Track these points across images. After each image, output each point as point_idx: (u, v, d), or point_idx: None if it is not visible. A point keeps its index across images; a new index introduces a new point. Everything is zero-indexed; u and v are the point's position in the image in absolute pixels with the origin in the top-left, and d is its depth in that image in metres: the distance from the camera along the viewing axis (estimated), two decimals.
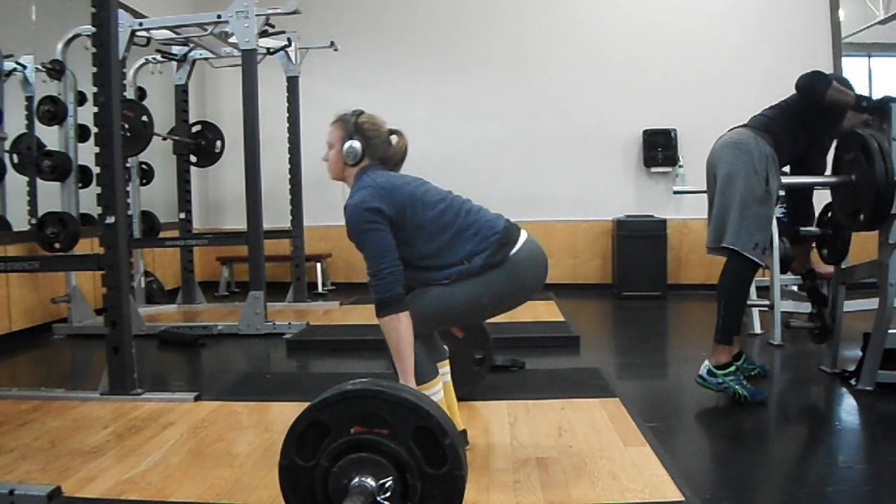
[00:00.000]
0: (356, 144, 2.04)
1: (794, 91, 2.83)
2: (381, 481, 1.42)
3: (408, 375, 1.93)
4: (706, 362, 2.82)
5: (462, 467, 1.45)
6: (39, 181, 4.53)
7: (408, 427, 1.44)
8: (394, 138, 2.13)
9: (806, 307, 4.11)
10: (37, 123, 4.51)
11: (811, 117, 2.81)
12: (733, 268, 2.80)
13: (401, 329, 1.91)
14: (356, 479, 1.42)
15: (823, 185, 3.09)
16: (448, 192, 2.09)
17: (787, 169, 3.06)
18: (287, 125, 5.55)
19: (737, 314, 2.84)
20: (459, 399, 2.31)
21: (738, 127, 2.90)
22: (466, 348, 2.72)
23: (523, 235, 2.04)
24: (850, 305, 3.14)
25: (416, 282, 2.04)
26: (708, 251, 2.95)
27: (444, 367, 2.18)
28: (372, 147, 2.07)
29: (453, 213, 2.01)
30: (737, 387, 2.75)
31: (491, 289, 1.99)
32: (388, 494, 1.41)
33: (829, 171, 3.02)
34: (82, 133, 4.55)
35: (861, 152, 2.70)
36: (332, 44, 5.54)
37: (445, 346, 2.26)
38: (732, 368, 2.78)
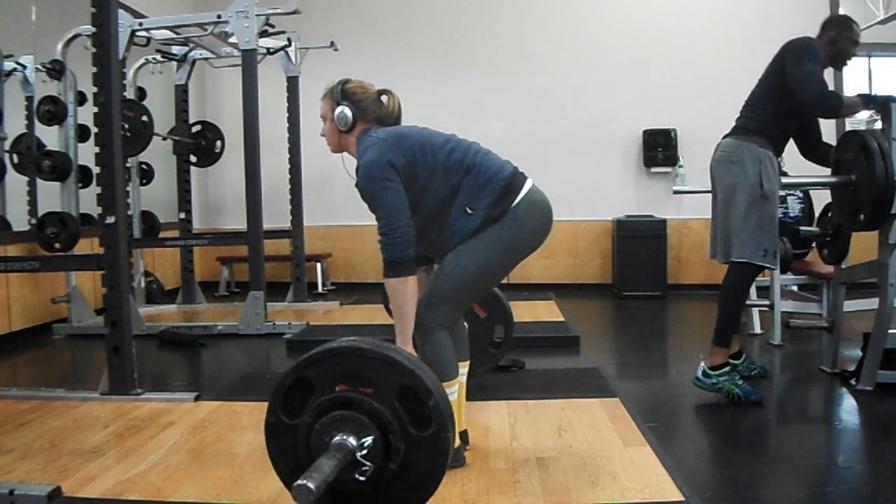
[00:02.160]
0: (346, 110, 2.04)
1: (761, 78, 2.84)
2: (362, 440, 1.41)
3: (406, 341, 1.93)
4: (702, 363, 2.83)
5: (447, 429, 1.44)
6: (39, 181, 4.53)
7: (393, 386, 1.43)
8: (384, 98, 2.11)
9: (806, 307, 4.12)
10: (37, 123, 4.50)
11: (788, 98, 2.77)
12: (737, 274, 2.82)
13: (407, 292, 1.90)
14: (337, 437, 1.41)
15: (824, 185, 3.10)
16: (452, 134, 2.08)
17: (787, 170, 3.06)
18: (287, 125, 5.54)
19: (734, 317, 2.86)
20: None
21: (727, 136, 2.89)
22: (488, 328, 2.77)
23: (527, 185, 2.03)
24: (850, 305, 3.14)
25: (431, 244, 2.04)
26: (713, 258, 2.96)
27: (464, 368, 2.18)
28: (362, 109, 2.06)
29: (461, 153, 2.01)
30: (731, 387, 2.76)
31: (495, 248, 1.98)
32: (365, 453, 1.40)
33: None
34: (82, 133, 4.54)
35: (861, 152, 2.70)
36: (332, 44, 5.54)
37: (468, 346, 2.25)
38: (727, 369, 2.79)
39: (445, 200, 1.99)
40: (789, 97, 2.76)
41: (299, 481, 1.29)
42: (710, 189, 2.99)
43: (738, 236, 2.77)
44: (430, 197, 1.99)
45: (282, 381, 1.49)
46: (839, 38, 2.84)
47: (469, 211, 1.97)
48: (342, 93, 2.05)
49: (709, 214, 2.99)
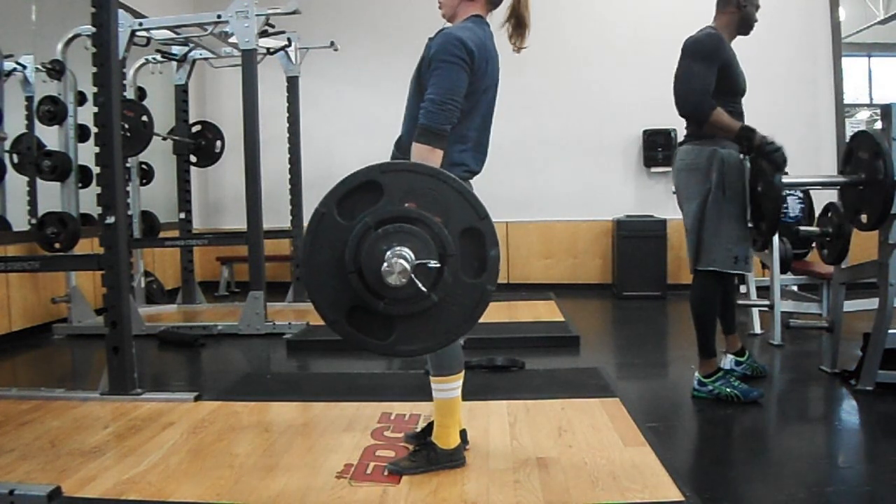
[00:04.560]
0: None
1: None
2: (422, 261, 1.35)
3: None
4: (696, 374, 2.83)
5: (494, 283, 1.40)
6: (39, 181, 4.53)
7: (462, 223, 1.38)
8: None
9: (806, 307, 4.12)
10: (37, 123, 4.51)
11: (721, 87, 2.71)
12: (703, 287, 2.77)
13: (432, 160, 1.80)
14: (397, 248, 1.35)
15: (832, 185, 3.08)
16: None
17: (787, 170, 3.05)
18: (287, 125, 5.55)
19: (713, 328, 2.82)
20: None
21: (683, 143, 2.83)
22: None
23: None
24: (850, 305, 3.14)
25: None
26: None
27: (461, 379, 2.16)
28: None
29: (486, 131, 2.02)
30: (728, 389, 2.76)
31: None
32: (423, 275, 1.34)
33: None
34: (82, 133, 4.54)
35: (870, 152, 2.69)
36: (332, 44, 5.54)
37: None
38: (720, 374, 2.79)
39: (461, 137, 1.95)
40: (723, 91, 2.69)
41: (394, 257, 1.28)
42: None
43: (706, 246, 2.70)
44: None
45: (350, 177, 1.40)
46: (747, 3, 2.80)
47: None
48: None
49: None
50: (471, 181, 2.01)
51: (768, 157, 2.60)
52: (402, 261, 1.27)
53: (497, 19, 2.05)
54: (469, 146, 1.98)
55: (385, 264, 1.28)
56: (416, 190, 1.39)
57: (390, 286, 1.33)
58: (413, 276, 1.34)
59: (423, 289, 1.35)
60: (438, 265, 1.36)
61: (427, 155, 1.80)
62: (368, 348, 1.50)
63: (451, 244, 1.36)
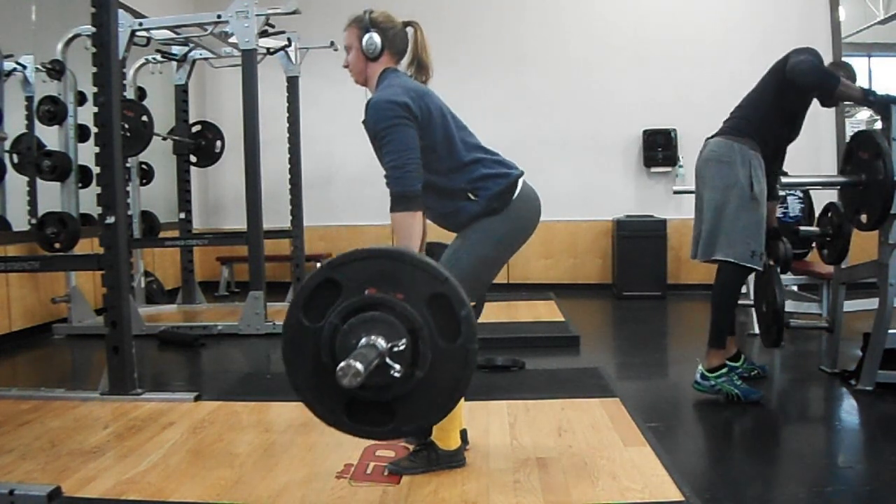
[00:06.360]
0: (375, 36, 2.02)
1: (760, 81, 2.81)
2: (392, 343, 1.35)
3: None
4: (699, 367, 2.83)
5: (474, 342, 1.40)
6: (39, 181, 4.53)
7: (424, 293, 1.38)
8: (409, 30, 2.11)
9: (806, 307, 4.12)
10: (37, 123, 4.50)
11: (787, 102, 2.76)
12: (727, 276, 2.81)
13: (415, 226, 1.88)
14: (366, 338, 1.35)
15: (832, 185, 3.09)
16: None
17: (787, 169, 3.06)
18: (287, 125, 5.54)
19: (727, 318, 2.85)
20: None
21: (716, 136, 2.86)
22: None
23: (521, 182, 2.07)
24: (850, 305, 3.14)
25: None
26: (693, 258, 2.94)
27: None
28: (390, 39, 2.05)
29: (476, 140, 2.06)
30: (729, 387, 2.76)
31: (494, 240, 2.01)
32: (398, 357, 1.34)
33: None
34: (82, 133, 4.54)
35: (872, 153, 2.69)
36: (332, 44, 5.53)
37: None
38: (724, 370, 2.79)
39: (446, 173, 1.99)
40: (784, 106, 2.74)
41: (345, 362, 1.25)
42: None
43: (726, 236, 2.74)
44: (432, 161, 1.97)
45: (308, 281, 1.42)
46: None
47: (472, 196, 1.99)
48: (371, 21, 2.04)
49: None
50: (515, 178, 2.03)
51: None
52: (356, 364, 1.26)
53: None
54: (471, 162, 2.01)
55: (339, 371, 1.27)
56: (372, 275, 1.40)
57: (357, 385, 1.32)
58: (388, 360, 1.35)
59: (396, 374, 1.36)
60: (409, 342, 1.37)
61: (409, 220, 1.87)
62: (375, 437, 1.52)
63: (417, 318, 1.37)
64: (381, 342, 1.35)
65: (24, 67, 4.56)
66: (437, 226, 2.10)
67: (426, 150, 1.95)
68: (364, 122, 1.96)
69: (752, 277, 4.24)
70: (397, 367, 1.35)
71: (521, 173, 2.07)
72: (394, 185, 1.88)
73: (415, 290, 1.38)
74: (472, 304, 2.55)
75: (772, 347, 3.03)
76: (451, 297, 1.38)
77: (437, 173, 1.99)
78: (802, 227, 3.39)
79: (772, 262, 3.04)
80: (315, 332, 1.41)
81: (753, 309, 4.09)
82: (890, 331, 2.77)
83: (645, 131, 6.26)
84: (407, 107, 1.90)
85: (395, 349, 1.35)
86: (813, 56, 2.70)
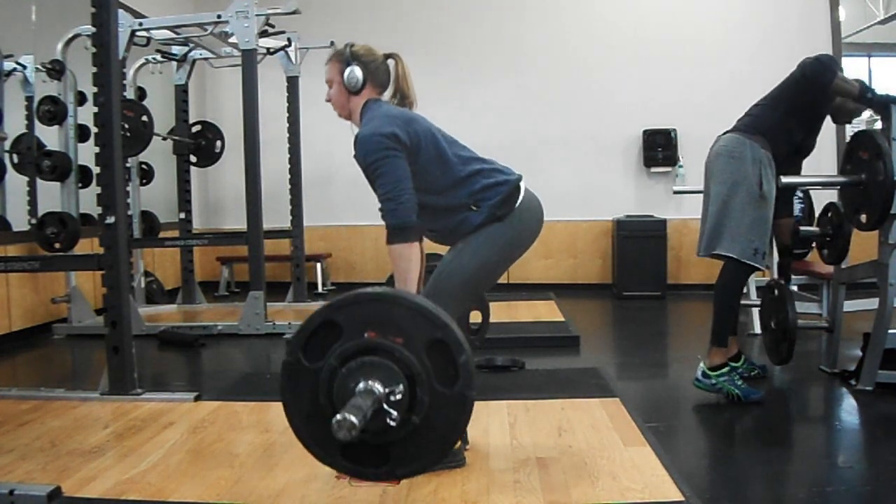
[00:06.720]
0: (356, 70, 2.03)
1: (778, 84, 2.82)
2: (390, 388, 1.36)
3: None
4: (701, 364, 2.83)
5: (473, 388, 1.40)
6: (39, 181, 4.53)
7: (423, 338, 1.39)
8: (391, 62, 2.12)
9: (806, 307, 4.12)
10: (37, 123, 4.50)
11: (803, 105, 2.77)
12: (730, 273, 2.82)
13: (412, 258, 1.90)
14: (364, 383, 1.36)
15: (832, 185, 3.09)
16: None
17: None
18: (287, 125, 5.55)
19: (730, 316, 2.85)
20: None
21: (729, 132, 2.87)
22: (464, 314, 2.72)
23: (523, 188, 2.08)
24: (850, 305, 3.14)
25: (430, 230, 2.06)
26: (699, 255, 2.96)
27: None
28: (371, 72, 2.06)
29: (469, 152, 2.07)
30: (730, 387, 2.76)
31: (496, 246, 2.02)
32: (392, 402, 1.36)
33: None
34: (82, 133, 4.54)
35: (872, 153, 2.69)
36: (332, 44, 5.52)
37: None
38: (726, 370, 2.79)
39: (444, 191, 2.00)
40: (802, 108, 2.75)
41: (340, 415, 1.26)
42: None
43: (730, 232, 2.75)
44: (428, 183, 1.99)
45: (308, 321, 1.43)
46: None
47: (474, 207, 2.00)
48: (351, 54, 2.05)
49: None
50: (515, 183, 2.05)
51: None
52: (351, 418, 1.27)
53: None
54: (469, 175, 2.01)
55: (334, 423, 1.28)
56: (373, 318, 1.41)
57: (352, 438, 1.33)
58: (385, 407, 1.36)
59: (392, 422, 1.37)
60: (406, 388, 1.38)
61: (406, 252, 1.89)
62: (369, 478, 1.54)
63: (415, 363, 1.37)
64: (379, 387, 1.36)
65: (24, 67, 4.57)
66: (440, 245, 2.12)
67: (421, 174, 1.96)
68: (355, 156, 1.97)
69: (752, 279, 4.27)
70: (394, 413, 1.37)
71: (520, 177, 2.08)
72: (389, 218, 1.90)
73: (414, 335, 1.39)
74: (472, 308, 2.55)
75: (780, 365, 3.03)
76: (450, 343, 1.39)
77: (435, 194, 2.00)
78: (802, 227, 3.39)
79: (783, 281, 3.04)
80: (314, 372, 1.42)
81: (754, 309, 4.11)
82: (890, 331, 2.77)
83: (645, 131, 6.26)
84: (395, 137, 1.91)
85: (392, 397, 1.37)
86: (827, 57, 2.72)
